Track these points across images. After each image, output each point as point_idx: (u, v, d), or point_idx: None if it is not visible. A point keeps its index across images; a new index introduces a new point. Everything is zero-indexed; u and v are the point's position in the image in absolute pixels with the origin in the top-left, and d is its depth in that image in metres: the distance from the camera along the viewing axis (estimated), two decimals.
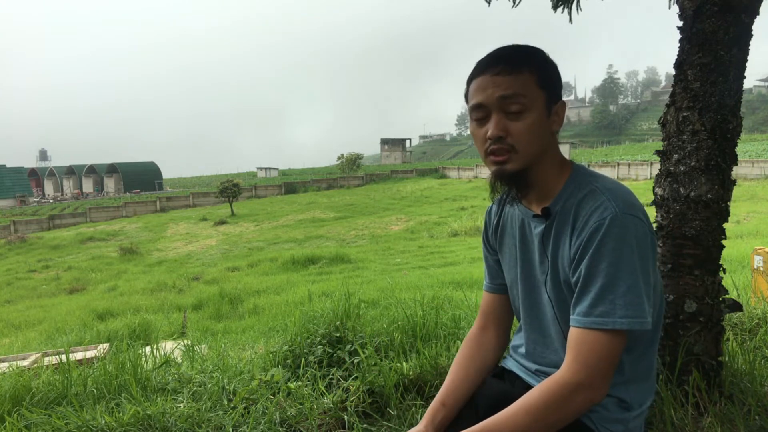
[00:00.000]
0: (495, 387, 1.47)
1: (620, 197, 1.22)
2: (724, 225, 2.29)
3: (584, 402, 1.20)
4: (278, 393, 2.57)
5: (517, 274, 1.43)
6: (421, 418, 1.44)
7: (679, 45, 2.28)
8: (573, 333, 1.22)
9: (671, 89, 2.33)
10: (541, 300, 1.38)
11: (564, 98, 1.35)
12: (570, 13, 3.30)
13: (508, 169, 1.28)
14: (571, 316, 1.24)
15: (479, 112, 1.29)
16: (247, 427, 2.30)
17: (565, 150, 51.25)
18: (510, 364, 1.53)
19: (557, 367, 1.32)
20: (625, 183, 1.56)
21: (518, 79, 1.25)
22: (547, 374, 1.37)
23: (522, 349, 1.49)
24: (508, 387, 1.45)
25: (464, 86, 1.36)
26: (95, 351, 4.89)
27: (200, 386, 2.74)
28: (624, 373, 1.30)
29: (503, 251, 1.50)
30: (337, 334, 3.01)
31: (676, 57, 2.29)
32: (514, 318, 1.59)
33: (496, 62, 1.27)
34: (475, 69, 1.32)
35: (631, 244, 1.18)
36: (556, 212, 1.30)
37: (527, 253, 1.40)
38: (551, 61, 1.31)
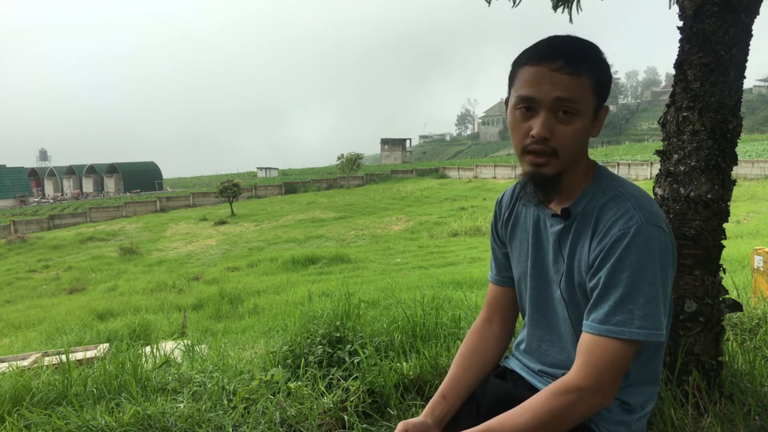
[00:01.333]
0: (497, 387, 1.46)
1: (645, 206, 1.21)
2: (724, 225, 2.29)
3: (591, 407, 1.19)
4: (278, 393, 2.57)
5: (527, 269, 1.41)
6: None
7: (679, 45, 2.28)
8: (585, 338, 1.21)
9: (671, 89, 2.33)
10: (552, 298, 1.37)
11: None
12: (570, 13, 3.30)
13: (546, 172, 1.23)
14: (585, 322, 1.23)
15: (528, 105, 1.22)
16: (247, 427, 2.30)
17: None
18: (512, 363, 1.52)
19: (561, 367, 1.32)
20: None
21: (577, 82, 1.19)
22: (549, 375, 1.37)
23: (523, 345, 1.48)
24: (510, 387, 1.44)
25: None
26: (95, 351, 4.89)
27: (200, 386, 2.74)
28: (629, 377, 1.29)
29: (513, 244, 1.47)
30: (337, 334, 3.01)
31: (676, 57, 2.29)
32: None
33: (555, 55, 1.19)
34: (529, 55, 1.23)
35: (654, 255, 1.17)
36: (577, 214, 1.28)
37: (540, 249, 1.38)
38: (606, 62, 1.26)
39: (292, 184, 52.71)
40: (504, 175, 46.45)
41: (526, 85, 1.22)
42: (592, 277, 1.23)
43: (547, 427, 1.18)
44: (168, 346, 4.28)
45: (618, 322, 1.17)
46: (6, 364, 4.07)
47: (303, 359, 2.90)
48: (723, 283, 2.33)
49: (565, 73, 1.18)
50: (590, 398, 1.18)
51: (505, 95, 1.33)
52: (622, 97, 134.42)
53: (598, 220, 1.24)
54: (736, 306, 2.37)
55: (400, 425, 1.32)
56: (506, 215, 1.49)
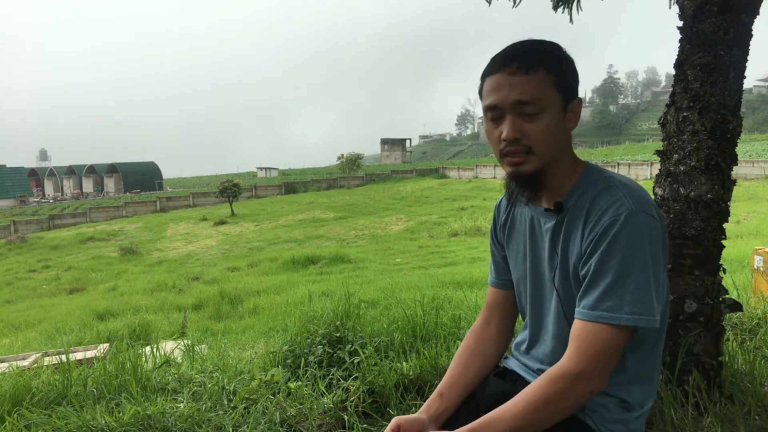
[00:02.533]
0: (496, 386, 1.46)
1: (636, 194, 1.22)
2: (724, 225, 2.29)
3: (584, 392, 1.20)
4: (278, 393, 2.57)
5: (525, 270, 1.43)
6: None
7: (679, 45, 2.28)
8: (577, 325, 1.22)
9: (671, 89, 2.33)
10: (550, 296, 1.38)
11: None
12: (570, 13, 3.30)
13: (525, 170, 1.27)
14: (577, 309, 1.24)
15: (494, 113, 1.26)
16: (247, 427, 2.30)
17: None
18: (511, 363, 1.53)
19: None
20: None
21: (533, 80, 1.21)
22: None
23: (524, 346, 1.49)
24: (509, 386, 1.44)
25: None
26: (95, 351, 4.89)
27: (200, 386, 2.74)
28: (626, 372, 1.29)
29: (511, 247, 1.49)
30: (337, 334, 3.01)
31: (676, 57, 2.29)
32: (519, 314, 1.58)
33: (510, 60, 1.23)
34: (489, 65, 1.28)
35: (644, 241, 1.18)
36: (569, 208, 1.30)
37: (536, 249, 1.40)
38: (567, 57, 1.28)
39: (292, 184, 52.72)
40: (504, 175, 46.28)
41: (489, 94, 1.27)
42: (584, 265, 1.24)
43: (542, 413, 1.19)
44: (168, 346, 4.29)
45: (608, 307, 1.18)
46: (6, 364, 4.07)
47: (303, 359, 2.90)
48: (723, 283, 2.33)
49: (520, 75, 1.22)
50: (582, 383, 1.19)
51: None
52: (622, 97, 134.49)
53: (590, 210, 1.26)
54: (736, 306, 2.37)
55: (394, 421, 1.34)
56: (504, 218, 1.51)
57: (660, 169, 2.36)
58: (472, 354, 1.51)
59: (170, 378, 2.88)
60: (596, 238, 1.21)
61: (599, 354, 1.18)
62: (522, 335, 1.53)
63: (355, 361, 2.75)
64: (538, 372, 1.42)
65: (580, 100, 1.30)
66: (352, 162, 58.54)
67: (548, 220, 1.34)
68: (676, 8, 2.35)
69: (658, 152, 2.38)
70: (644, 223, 1.18)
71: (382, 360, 2.69)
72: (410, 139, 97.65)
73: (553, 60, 1.25)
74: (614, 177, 1.28)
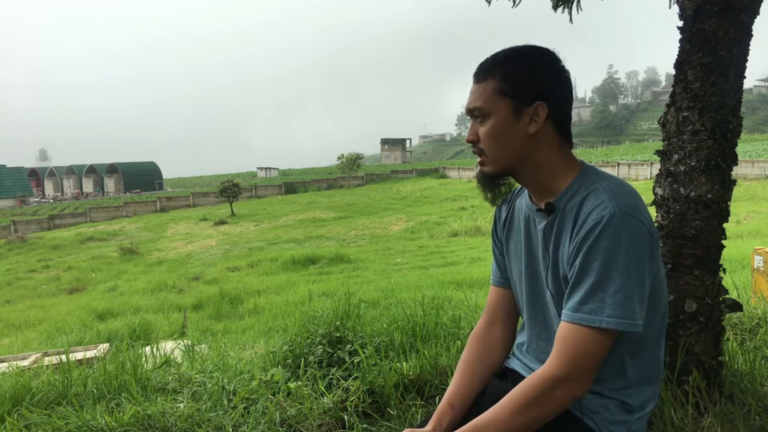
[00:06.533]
0: (496, 387, 1.46)
1: (621, 198, 1.22)
2: (724, 225, 2.29)
3: (565, 397, 1.20)
4: (278, 393, 2.57)
5: (522, 269, 1.44)
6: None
7: (679, 45, 2.28)
8: (561, 327, 1.24)
9: (671, 89, 2.33)
10: (545, 295, 1.38)
11: None
12: (570, 13, 3.30)
13: (485, 171, 1.38)
14: (562, 311, 1.25)
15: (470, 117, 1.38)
16: (247, 427, 2.30)
17: None
18: (513, 363, 1.52)
19: None
20: None
21: (480, 89, 1.32)
22: None
23: (525, 346, 1.49)
24: (510, 387, 1.44)
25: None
26: (95, 351, 4.90)
27: (200, 386, 2.74)
28: (627, 377, 1.30)
29: (510, 246, 1.50)
30: (337, 334, 3.01)
31: (676, 57, 2.29)
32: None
33: (475, 70, 1.35)
34: None
35: (626, 244, 1.17)
36: (560, 209, 1.31)
37: (531, 248, 1.41)
38: (528, 62, 1.29)
39: (292, 184, 52.69)
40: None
41: None
42: (570, 267, 1.25)
43: (525, 417, 1.20)
44: (168, 346, 4.28)
45: (589, 310, 1.19)
46: (6, 364, 4.07)
47: (303, 359, 2.90)
48: (723, 283, 2.33)
49: (475, 84, 1.34)
50: (563, 387, 1.19)
51: None
52: (622, 97, 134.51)
53: (578, 213, 1.26)
54: (736, 306, 2.37)
55: None
56: (504, 217, 1.53)
57: (660, 169, 2.36)
58: (478, 359, 1.51)
59: (170, 378, 2.88)
60: (580, 240, 1.22)
61: (580, 358, 1.19)
62: (521, 335, 1.53)
63: (355, 361, 2.75)
64: None
65: (542, 106, 1.27)
66: (352, 162, 58.53)
67: (541, 220, 1.36)
68: (676, 8, 2.35)
69: (658, 152, 2.38)
70: (626, 226, 1.18)
71: (382, 360, 2.69)
72: (410, 139, 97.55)
73: (502, 68, 1.30)
74: (604, 180, 1.28)
